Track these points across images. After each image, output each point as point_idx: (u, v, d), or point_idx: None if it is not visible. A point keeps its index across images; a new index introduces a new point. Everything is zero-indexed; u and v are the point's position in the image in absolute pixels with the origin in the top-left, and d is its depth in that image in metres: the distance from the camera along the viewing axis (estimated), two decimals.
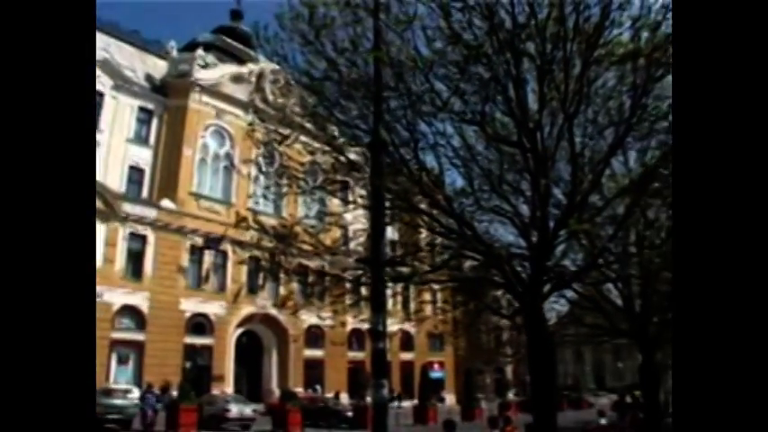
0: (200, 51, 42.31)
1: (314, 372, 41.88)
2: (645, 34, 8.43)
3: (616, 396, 32.03)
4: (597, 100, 10.12)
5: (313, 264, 12.64)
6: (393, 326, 29.68)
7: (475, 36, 8.77)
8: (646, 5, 8.25)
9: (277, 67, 14.51)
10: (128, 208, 34.58)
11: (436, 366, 51.55)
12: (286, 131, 10.79)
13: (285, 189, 12.07)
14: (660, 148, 10.75)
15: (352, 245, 13.45)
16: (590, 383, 74.18)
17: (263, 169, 13.79)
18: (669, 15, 8.17)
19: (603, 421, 19.64)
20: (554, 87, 8.84)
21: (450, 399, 50.57)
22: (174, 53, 42.57)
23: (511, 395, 51.23)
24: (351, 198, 11.04)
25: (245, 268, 38.41)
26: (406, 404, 37.37)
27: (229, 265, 39.02)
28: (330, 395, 36.28)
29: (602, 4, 8.27)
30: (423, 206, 10.32)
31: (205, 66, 42.08)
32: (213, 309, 37.80)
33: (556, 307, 17.73)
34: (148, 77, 40.32)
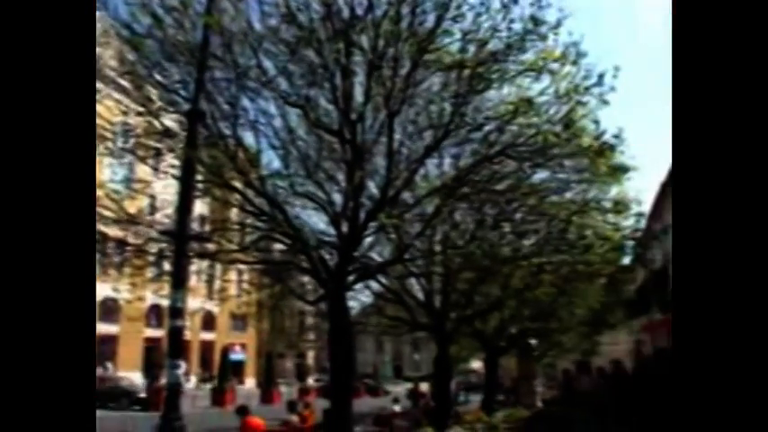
0: None
1: (106, 348, 39.42)
2: (472, 48, 8.96)
3: (411, 385, 33.76)
4: (420, 102, 10.58)
5: (113, 232, 11.93)
6: (195, 304, 28.85)
7: (310, 19, 8.79)
8: (477, 22, 8.80)
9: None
10: None
11: (238, 348, 50.95)
12: (98, 85, 10.07)
13: None
14: (473, 156, 11.49)
15: (158, 216, 12.86)
16: (388, 372, 77.53)
17: None
18: (497, 34, 8.84)
19: (397, 408, 20.56)
20: (381, 83, 9.11)
21: (250, 382, 50.28)
22: None
23: (311, 380, 52.05)
24: (161, 166, 10.55)
25: None
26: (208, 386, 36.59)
27: None
28: (123, 374, 34.42)
29: (438, 13, 8.68)
30: (236, 184, 10.16)
31: None
32: None
33: (360, 297, 18.28)
34: None
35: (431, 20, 8.80)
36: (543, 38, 8.97)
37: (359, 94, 9.55)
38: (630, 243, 14.97)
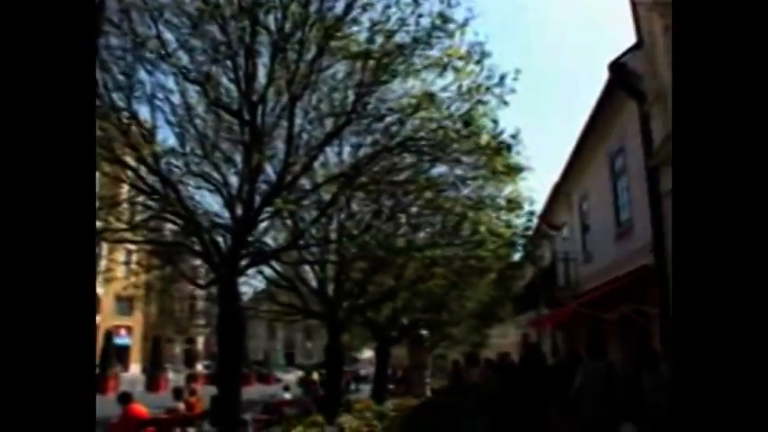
0: None
1: None
2: (379, 39, 9.06)
3: (303, 373, 33.74)
4: (324, 88, 10.59)
5: None
6: None
7: None
8: (386, 13, 8.89)
9: None
10: None
11: (123, 332, 49.09)
12: None
13: None
14: (373, 146, 11.61)
15: None
16: (280, 360, 77.05)
17: None
18: (405, 28, 8.97)
19: (288, 396, 20.51)
20: (285, 66, 9.03)
21: (135, 368, 48.58)
22: None
23: (200, 366, 50.98)
24: None
25: None
26: None
27: None
28: None
29: (347, 0, 8.71)
30: (128, 159, 9.79)
31: None
32: None
33: (253, 282, 18.08)
34: None
35: (340, 6, 8.85)
36: (450, 35, 9.20)
37: (262, 76, 9.44)
38: (521, 240, 15.59)
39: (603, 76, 13.61)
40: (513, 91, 9.76)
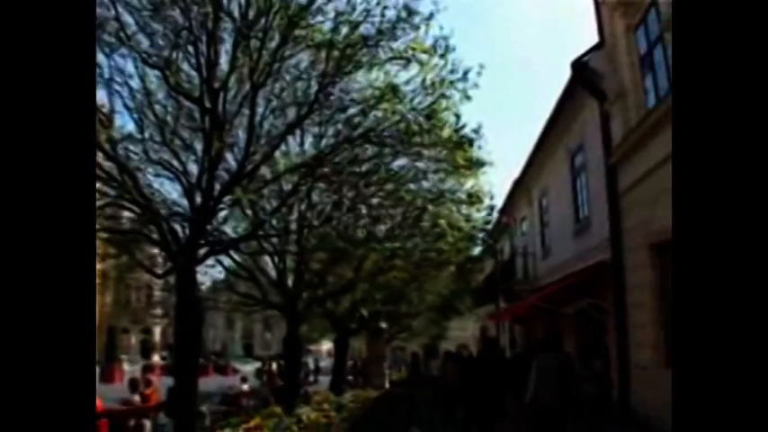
0: None
1: None
2: (344, 29, 9.03)
3: (261, 364, 33.56)
4: (287, 77, 10.51)
5: None
6: None
7: None
8: (351, 3, 8.87)
9: None
10: None
11: None
12: None
13: None
14: (335, 137, 11.59)
15: None
16: (238, 350, 76.56)
17: None
18: (370, 19, 8.96)
19: (246, 387, 20.41)
20: (248, 54, 8.94)
21: None
22: None
23: (157, 357, 50.24)
24: None
25: None
26: None
27: None
28: None
29: None
30: None
31: None
32: None
33: (211, 272, 17.90)
34: None
35: None
36: (415, 28, 9.24)
37: (224, 63, 9.33)
38: (481, 234, 15.78)
39: (566, 74, 13.82)
40: (476, 86, 9.86)
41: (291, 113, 10.78)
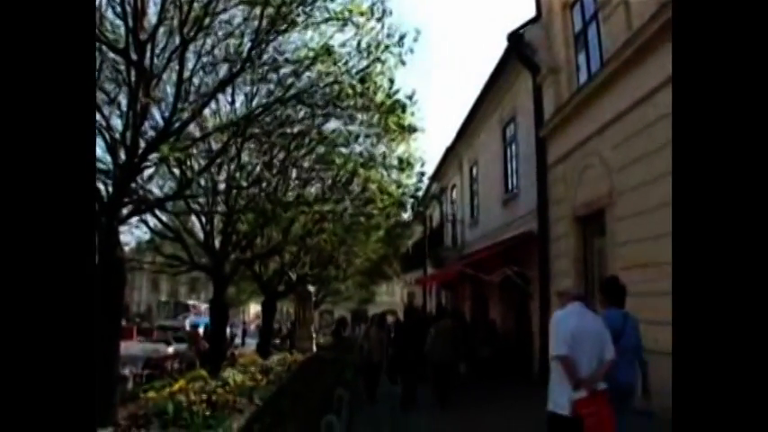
0: None
1: None
2: None
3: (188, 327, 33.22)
4: (219, 33, 10.23)
5: None
6: None
7: None
8: None
9: None
10: None
11: None
12: None
13: None
14: (267, 97, 11.39)
15: None
16: (164, 313, 75.20)
17: None
18: None
19: (171, 350, 20.17)
20: (178, 6, 8.62)
21: None
22: None
23: None
24: None
25: None
26: None
27: None
28: None
29: None
30: None
31: None
32: None
33: (136, 232, 17.44)
34: None
35: None
36: None
37: (152, 14, 8.98)
38: (411, 200, 15.92)
39: (502, 44, 13.99)
40: (411, 51, 9.86)
41: (223, 71, 10.53)
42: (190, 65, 9.89)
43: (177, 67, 9.24)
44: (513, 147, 15.77)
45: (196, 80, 10.52)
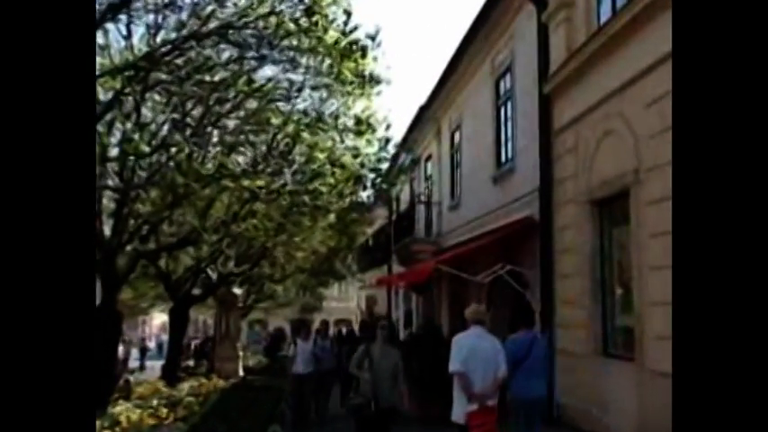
0: None
1: None
2: None
3: None
4: None
5: None
6: None
7: None
8: None
9: None
10: None
11: None
12: None
13: None
14: (178, 31, 11.15)
15: None
16: None
17: None
18: None
19: None
20: None
21: None
22: None
23: None
24: None
25: None
26: None
27: None
28: None
29: None
30: None
31: None
32: None
33: None
34: None
35: None
36: None
37: None
38: (371, 175, 15.77)
39: None
40: None
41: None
42: None
43: None
44: (509, 106, 15.75)
45: None
